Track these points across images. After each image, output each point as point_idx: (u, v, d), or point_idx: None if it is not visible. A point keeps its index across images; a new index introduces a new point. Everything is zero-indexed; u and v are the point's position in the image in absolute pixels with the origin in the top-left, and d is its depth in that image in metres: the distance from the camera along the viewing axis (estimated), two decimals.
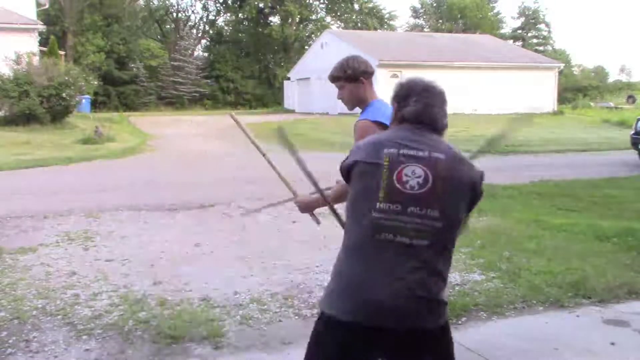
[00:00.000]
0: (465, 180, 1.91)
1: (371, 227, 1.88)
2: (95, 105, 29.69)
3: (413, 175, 1.88)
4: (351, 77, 2.98)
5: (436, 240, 1.87)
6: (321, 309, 2.00)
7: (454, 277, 4.87)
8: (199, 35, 52.76)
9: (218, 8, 52.26)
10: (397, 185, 1.87)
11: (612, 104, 37.45)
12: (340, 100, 3.13)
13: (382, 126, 2.91)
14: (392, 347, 1.90)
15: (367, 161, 1.94)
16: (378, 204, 1.88)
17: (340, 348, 1.92)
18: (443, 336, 1.96)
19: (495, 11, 62.19)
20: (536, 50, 48.93)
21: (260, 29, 48.28)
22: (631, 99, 43.52)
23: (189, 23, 53.56)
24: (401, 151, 1.91)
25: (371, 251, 1.88)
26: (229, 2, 49.75)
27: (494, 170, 11.66)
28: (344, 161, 2.05)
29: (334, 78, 3.03)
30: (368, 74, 3.03)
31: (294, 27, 49.46)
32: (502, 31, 59.66)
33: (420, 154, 1.90)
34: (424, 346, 1.91)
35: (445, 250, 1.92)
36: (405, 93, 2.03)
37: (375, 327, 1.85)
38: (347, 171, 2.02)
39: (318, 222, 3.13)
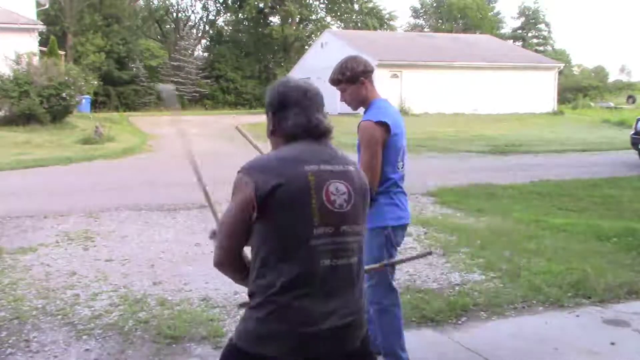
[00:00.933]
0: (366, 191, 1.86)
1: (311, 256, 1.69)
2: (95, 105, 29.68)
3: (338, 193, 1.75)
4: (351, 79, 2.99)
5: (361, 254, 1.82)
6: (241, 346, 1.76)
7: (454, 277, 4.87)
8: (199, 35, 52.77)
9: (218, 8, 52.30)
10: (328, 205, 1.72)
11: (612, 104, 37.50)
12: (343, 102, 3.14)
13: (385, 126, 2.92)
14: None
15: (292, 183, 1.69)
16: (314, 229, 1.70)
17: None
18: (365, 349, 1.86)
19: (495, 11, 62.22)
20: (536, 50, 48.98)
21: (260, 29, 48.29)
22: (631, 99, 43.55)
23: (189, 23, 53.61)
24: (321, 167, 1.75)
25: (315, 281, 1.70)
26: (229, 2, 49.75)
27: (494, 170, 11.68)
28: (246, 189, 1.70)
29: (334, 81, 3.04)
30: (367, 73, 3.03)
31: (294, 27, 49.45)
32: (502, 31, 59.71)
33: (337, 168, 1.78)
34: None
35: (363, 263, 1.87)
36: (282, 102, 1.83)
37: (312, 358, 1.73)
38: (263, 199, 1.68)
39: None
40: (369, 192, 1.87)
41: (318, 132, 1.82)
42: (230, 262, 1.82)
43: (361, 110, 3.19)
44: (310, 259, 1.70)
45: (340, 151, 1.86)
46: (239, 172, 1.79)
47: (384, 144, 2.93)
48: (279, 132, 1.84)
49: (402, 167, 3.07)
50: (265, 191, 1.68)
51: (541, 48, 57.25)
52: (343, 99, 3.11)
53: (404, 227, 3.13)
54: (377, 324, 3.13)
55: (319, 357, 1.73)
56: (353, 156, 2.18)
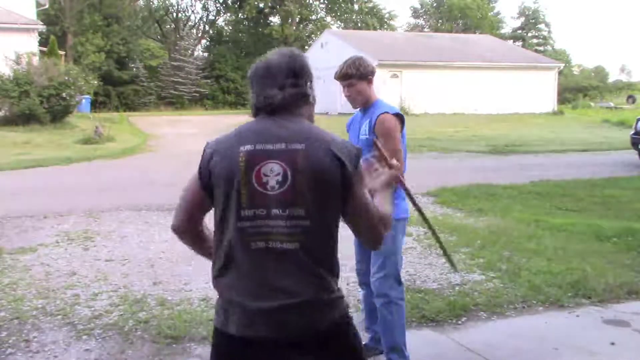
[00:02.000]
0: (330, 166, 1.67)
1: (239, 237, 1.70)
2: (95, 105, 29.67)
3: (272, 174, 1.67)
4: (363, 75, 3.10)
5: (307, 241, 1.68)
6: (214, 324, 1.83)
7: (454, 277, 4.87)
8: (199, 35, 52.77)
9: (218, 8, 52.31)
10: (258, 188, 1.67)
11: (612, 104, 37.49)
12: (345, 99, 3.21)
13: (401, 118, 3.10)
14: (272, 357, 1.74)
15: (224, 163, 1.71)
16: (242, 211, 1.68)
17: None
18: (335, 335, 1.76)
19: (495, 11, 62.22)
20: (536, 50, 48.98)
21: (260, 29, 48.30)
22: (631, 99, 43.55)
23: (189, 23, 53.62)
24: (256, 147, 1.70)
25: (243, 263, 1.70)
26: (229, 2, 49.77)
27: (494, 170, 11.68)
28: (201, 159, 1.78)
29: (345, 75, 3.11)
30: (373, 75, 3.19)
31: (294, 27, 49.46)
32: (502, 31, 59.70)
33: (278, 147, 1.69)
34: (311, 350, 1.73)
35: (321, 251, 1.72)
36: (250, 80, 1.84)
37: (252, 338, 1.70)
38: (202, 170, 1.76)
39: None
40: (336, 168, 1.68)
41: (269, 109, 1.76)
42: (183, 230, 1.92)
43: (355, 110, 3.29)
44: (238, 240, 1.70)
45: (298, 127, 1.73)
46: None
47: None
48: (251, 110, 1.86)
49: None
50: (205, 163, 1.75)
51: (541, 48, 57.25)
52: (349, 93, 3.16)
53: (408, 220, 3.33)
54: (382, 318, 3.17)
55: (261, 338, 1.70)
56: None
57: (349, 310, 1.84)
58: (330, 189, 1.68)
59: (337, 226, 1.75)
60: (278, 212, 1.67)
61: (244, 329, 1.71)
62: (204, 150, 1.79)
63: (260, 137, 1.72)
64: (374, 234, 1.79)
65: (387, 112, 3.06)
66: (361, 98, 3.15)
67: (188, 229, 1.92)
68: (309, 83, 1.81)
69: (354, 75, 3.08)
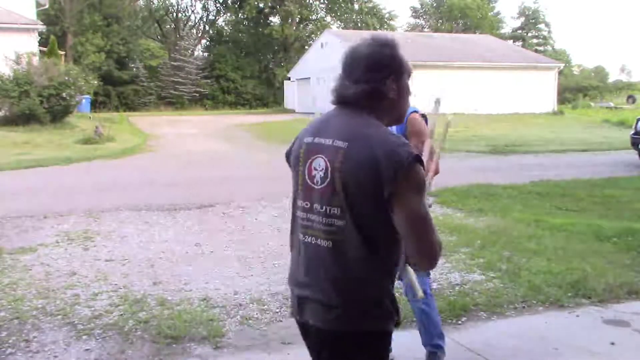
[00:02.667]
0: (368, 169, 1.59)
1: (294, 225, 1.80)
2: (95, 105, 29.69)
3: (319, 169, 1.68)
4: None
5: (342, 241, 1.64)
6: None
7: (454, 277, 4.87)
8: (199, 35, 52.77)
9: (218, 8, 52.30)
10: (308, 181, 1.71)
11: (612, 104, 37.46)
12: None
13: (424, 117, 3.26)
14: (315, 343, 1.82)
15: (294, 151, 1.80)
16: (298, 201, 1.76)
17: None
18: (348, 343, 1.72)
19: (495, 11, 62.20)
20: (536, 50, 48.96)
21: (260, 29, 48.28)
22: (631, 99, 43.52)
23: (189, 23, 53.61)
24: (315, 140, 1.72)
25: (295, 250, 1.81)
26: (229, 2, 49.76)
27: (494, 170, 11.68)
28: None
29: None
30: None
31: (294, 27, 49.45)
32: (502, 31, 59.68)
33: (325, 142, 1.69)
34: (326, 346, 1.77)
35: (361, 256, 1.64)
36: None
37: (304, 323, 1.80)
38: (287, 157, 1.87)
39: None
40: (373, 170, 1.58)
41: (336, 100, 1.78)
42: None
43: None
44: (295, 228, 1.81)
45: (352, 125, 1.68)
46: None
47: None
48: None
49: None
50: (289, 148, 1.86)
51: (541, 48, 57.23)
52: None
53: None
54: (421, 312, 3.27)
55: (302, 321, 1.81)
56: None
57: (386, 332, 1.73)
58: (365, 192, 1.61)
59: (381, 234, 1.64)
60: (318, 208, 1.69)
61: (294, 312, 1.85)
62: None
63: (319, 131, 1.74)
64: (424, 252, 1.63)
65: (416, 112, 3.19)
66: None
67: None
68: (391, 77, 1.73)
69: None
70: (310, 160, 1.71)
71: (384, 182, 1.57)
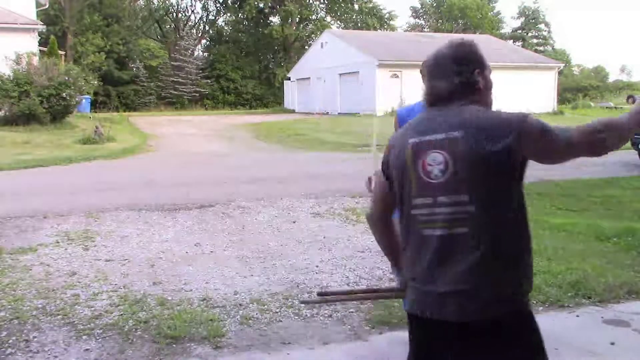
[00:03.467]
0: (489, 150, 1.69)
1: (412, 224, 1.82)
2: (95, 105, 29.69)
3: (434, 163, 1.76)
4: None
5: (477, 225, 1.71)
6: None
7: None
8: (199, 35, 52.79)
9: (218, 8, 52.34)
10: (424, 177, 1.78)
11: (612, 104, 37.46)
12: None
13: None
14: (454, 339, 1.76)
15: (397, 155, 1.86)
16: (413, 200, 1.81)
17: (416, 343, 1.90)
18: (504, 327, 1.74)
19: (495, 11, 62.23)
20: (536, 50, 48.98)
21: (260, 29, 48.31)
22: (631, 99, 43.37)
23: (189, 23, 53.63)
24: (422, 139, 1.80)
25: (416, 248, 1.82)
26: (229, 2, 49.77)
27: None
28: (383, 155, 1.96)
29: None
30: None
31: (294, 27, 49.47)
32: (502, 31, 59.74)
33: (439, 137, 1.77)
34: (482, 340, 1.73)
35: (498, 237, 1.72)
36: (422, 74, 1.99)
37: (437, 320, 1.76)
38: (383, 166, 1.93)
39: None
40: (493, 157, 1.70)
41: (436, 99, 1.85)
42: (376, 218, 2.01)
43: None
44: (412, 226, 1.82)
45: (457, 115, 1.78)
46: None
47: None
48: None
49: None
50: (385, 156, 1.92)
51: (541, 48, 57.25)
52: None
53: None
54: None
55: (431, 317, 1.78)
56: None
57: (529, 307, 1.80)
58: (494, 172, 1.72)
59: (518, 215, 1.80)
60: (444, 200, 1.74)
61: (417, 310, 1.82)
62: (388, 144, 1.94)
63: (424, 129, 1.81)
64: (586, 146, 1.80)
65: None
66: None
67: (380, 218, 2.01)
68: (476, 70, 1.88)
69: None
70: (422, 158, 1.78)
71: (512, 151, 1.73)
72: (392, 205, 1.96)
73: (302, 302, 4.17)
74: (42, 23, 22.90)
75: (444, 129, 1.77)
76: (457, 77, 1.84)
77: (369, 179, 2.93)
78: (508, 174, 1.77)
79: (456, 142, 1.73)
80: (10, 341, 3.61)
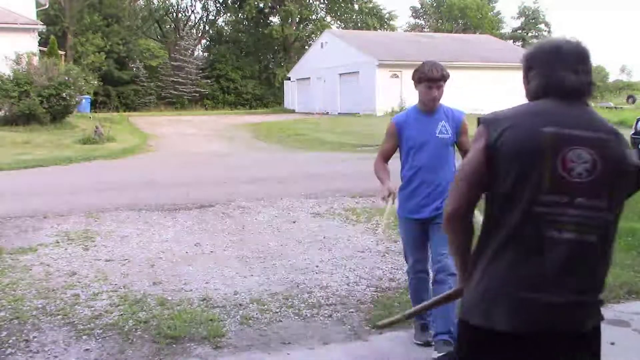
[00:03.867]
0: (629, 161, 1.65)
1: (531, 222, 1.61)
2: (95, 105, 29.69)
3: (579, 161, 1.61)
4: (447, 79, 3.40)
5: (605, 235, 1.64)
6: (467, 319, 1.72)
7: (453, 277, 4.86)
8: (199, 35, 52.79)
9: (218, 8, 52.33)
10: (563, 173, 1.60)
11: (612, 104, 37.45)
12: (432, 99, 3.40)
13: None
14: (551, 353, 1.66)
15: (522, 140, 1.63)
16: (542, 195, 1.60)
17: None
18: (594, 338, 1.74)
19: (495, 11, 62.24)
20: None
21: (260, 29, 48.32)
22: (631, 99, 43.50)
23: (189, 23, 53.63)
24: (561, 130, 1.62)
25: (534, 249, 1.62)
26: (229, 2, 49.77)
27: None
28: (480, 139, 1.69)
29: (442, 77, 3.35)
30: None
31: (294, 27, 49.46)
32: (502, 31, 59.76)
33: (585, 133, 1.63)
34: (575, 350, 1.68)
35: (611, 246, 1.69)
36: (527, 65, 1.79)
37: (537, 333, 1.63)
38: (488, 148, 1.66)
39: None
40: (630, 169, 1.66)
41: (562, 91, 1.70)
42: (463, 214, 1.73)
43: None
44: (528, 225, 1.62)
45: (597, 116, 1.71)
46: (478, 122, 1.74)
47: None
48: (527, 95, 1.81)
49: None
50: (495, 136, 1.65)
51: None
52: (437, 94, 3.38)
53: None
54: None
55: (537, 330, 1.62)
56: None
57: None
58: (626, 183, 1.68)
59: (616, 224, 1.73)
60: (582, 202, 1.60)
61: (514, 322, 1.62)
62: (488, 124, 1.69)
63: (564, 121, 1.65)
64: None
65: (464, 114, 3.46)
66: (439, 100, 3.41)
67: (467, 213, 1.74)
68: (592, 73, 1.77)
69: (446, 78, 3.35)
70: (562, 151, 1.61)
71: (632, 174, 1.68)
72: (479, 197, 1.74)
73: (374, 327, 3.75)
74: (42, 23, 22.91)
75: (592, 128, 1.65)
76: (586, 75, 1.73)
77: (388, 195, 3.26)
78: (630, 191, 1.73)
79: (608, 144, 1.64)
80: (10, 341, 3.61)
